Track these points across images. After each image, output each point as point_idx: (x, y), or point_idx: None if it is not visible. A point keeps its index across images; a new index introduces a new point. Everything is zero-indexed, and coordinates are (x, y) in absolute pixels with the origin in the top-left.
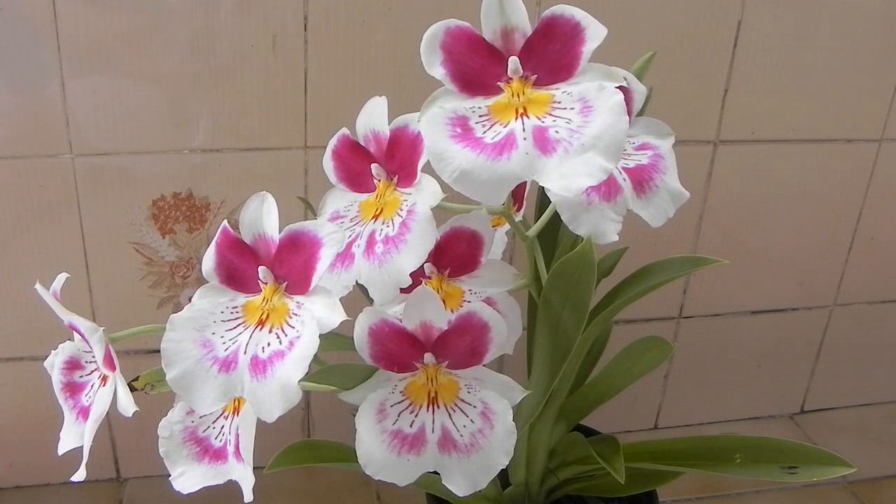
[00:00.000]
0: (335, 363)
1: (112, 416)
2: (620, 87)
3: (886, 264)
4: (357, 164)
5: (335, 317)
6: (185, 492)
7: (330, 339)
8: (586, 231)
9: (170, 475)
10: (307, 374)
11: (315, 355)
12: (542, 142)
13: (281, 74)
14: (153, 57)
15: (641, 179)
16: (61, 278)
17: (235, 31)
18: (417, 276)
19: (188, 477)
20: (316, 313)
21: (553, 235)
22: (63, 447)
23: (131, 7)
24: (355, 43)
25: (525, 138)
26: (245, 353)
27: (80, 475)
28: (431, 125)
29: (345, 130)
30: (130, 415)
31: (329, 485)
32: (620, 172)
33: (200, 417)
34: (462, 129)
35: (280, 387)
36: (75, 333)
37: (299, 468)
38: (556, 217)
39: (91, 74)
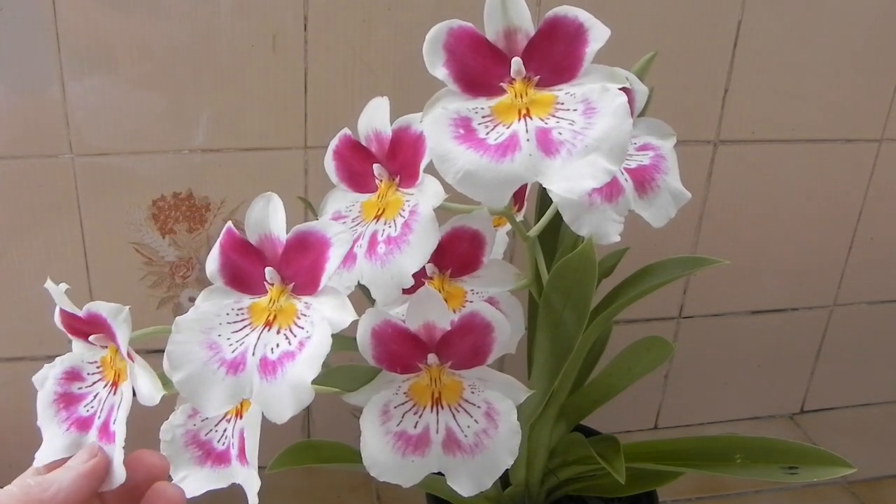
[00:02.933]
0: (338, 364)
1: None
2: (623, 89)
3: (886, 264)
4: (359, 165)
5: (346, 316)
6: (188, 496)
7: (333, 340)
8: (588, 231)
9: (169, 476)
10: None
11: None
12: (546, 143)
13: (281, 74)
14: (153, 57)
15: (643, 180)
16: (62, 288)
17: (235, 31)
18: (419, 277)
19: (191, 481)
20: (326, 313)
21: (554, 236)
22: (44, 459)
23: (131, 7)
24: (355, 43)
25: (528, 140)
26: (253, 354)
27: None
28: (434, 126)
29: (346, 131)
30: (157, 401)
31: (329, 485)
32: (622, 173)
33: (202, 421)
34: (465, 129)
35: (291, 388)
36: (74, 344)
37: (300, 468)
38: (557, 217)
39: (91, 75)
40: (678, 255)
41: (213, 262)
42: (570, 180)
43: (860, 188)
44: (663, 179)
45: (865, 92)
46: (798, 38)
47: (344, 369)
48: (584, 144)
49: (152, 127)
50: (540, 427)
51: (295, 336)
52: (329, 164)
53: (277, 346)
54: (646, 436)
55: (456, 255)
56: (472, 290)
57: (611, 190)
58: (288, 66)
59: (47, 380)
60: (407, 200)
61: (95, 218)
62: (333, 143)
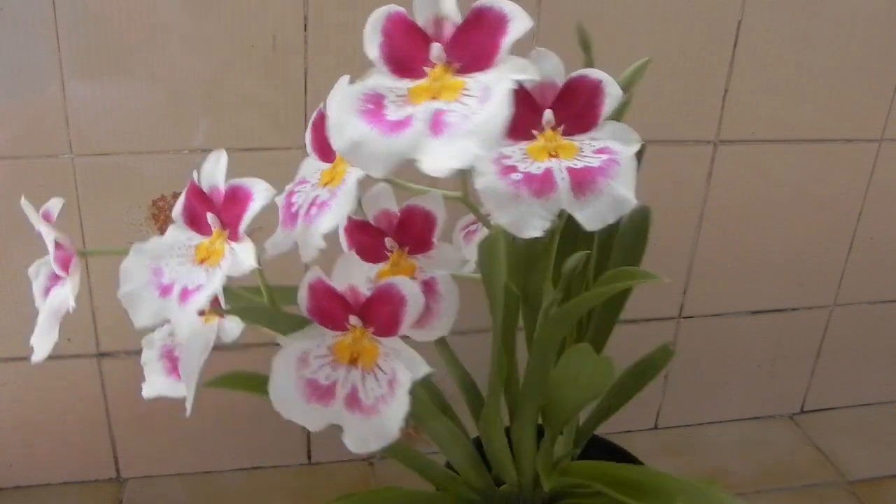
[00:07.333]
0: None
1: (112, 415)
2: (595, 89)
3: (886, 264)
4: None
5: (247, 261)
6: (148, 397)
7: (288, 293)
8: (506, 221)
9: (169, 476)
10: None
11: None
12: (436, 124)
13: (281, 74)
14: (153, 57)
15: (583, 181)
16: (56, 202)
17: (235, 31)
18: (381, 250)
19: (155, 386)
20: (240, 255)
21: None
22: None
23: (131, 7)
24: (355, 43)
25: (423, 120)
26: (178, 285)
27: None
28: (343, 97)
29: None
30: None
31: (329, 484)
32: (561, 171)
33: (175, 340)
34: (374, 105)
35: (186, 317)
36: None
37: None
38: None
39: (91, 75)
40: (678, 252)
41: (178, 205)
42: (437, 160)
43: (860, 188)
44: (607, 184)
45: (865, 92)
46: (798, 38)
47: (288, 317)
48: (467, 129)
49: (152, 127)
50: (519, 428)
51: (214, 274)
52: (308, 135)
53: (196, 280)
54: (646, 436)
55: (412, 233)
56: (420, 269)
57: (542, 186)
58: (288, 66)
59: (39, 275)
60: (346, 176)
61: (95, 218)
62: (314, 115)
